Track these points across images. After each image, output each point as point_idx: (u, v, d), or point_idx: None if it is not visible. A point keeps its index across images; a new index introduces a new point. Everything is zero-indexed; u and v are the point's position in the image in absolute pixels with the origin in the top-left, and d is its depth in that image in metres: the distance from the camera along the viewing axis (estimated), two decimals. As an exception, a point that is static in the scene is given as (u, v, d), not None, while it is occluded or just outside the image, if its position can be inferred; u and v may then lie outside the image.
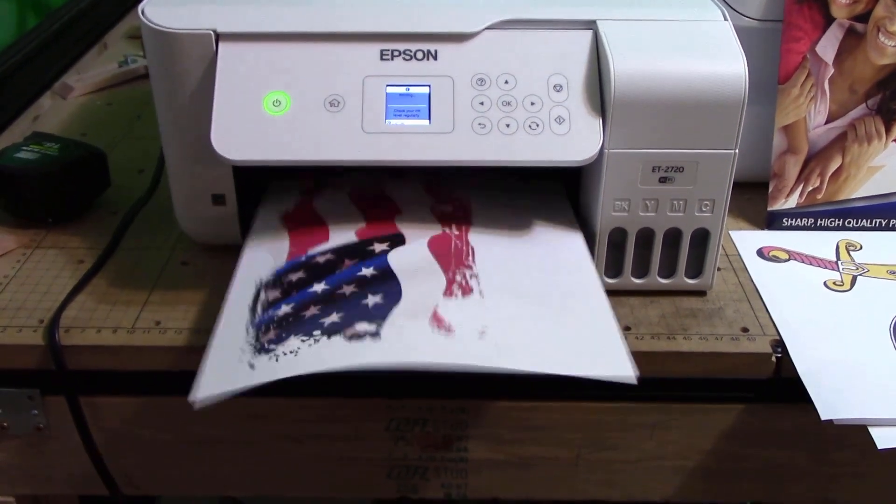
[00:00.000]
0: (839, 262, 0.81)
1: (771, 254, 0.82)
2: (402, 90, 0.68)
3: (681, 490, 0.76)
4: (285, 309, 0.63)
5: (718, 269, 0.76)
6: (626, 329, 0.71)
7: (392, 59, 0.69)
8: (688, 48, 0.68)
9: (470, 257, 0.68)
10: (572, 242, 0.71)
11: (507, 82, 0.68)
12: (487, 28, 0.69)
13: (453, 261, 0.68)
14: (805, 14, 0.80)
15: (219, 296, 0.67)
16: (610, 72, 0.66)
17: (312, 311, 0.62)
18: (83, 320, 0.71)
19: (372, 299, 0.63)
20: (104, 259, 0.79)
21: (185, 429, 0.73)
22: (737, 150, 0.69)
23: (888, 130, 0.83)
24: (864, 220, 0.85)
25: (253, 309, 0.64)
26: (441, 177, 0.79)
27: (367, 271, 0.66)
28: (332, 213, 0.74)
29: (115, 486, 0.74)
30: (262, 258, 0.69)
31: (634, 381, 0.59)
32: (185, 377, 0.58)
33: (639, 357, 0.62)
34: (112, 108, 1.10)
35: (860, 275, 0.79)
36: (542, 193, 0.78)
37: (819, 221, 0.85)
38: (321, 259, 0.68)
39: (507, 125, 0.67)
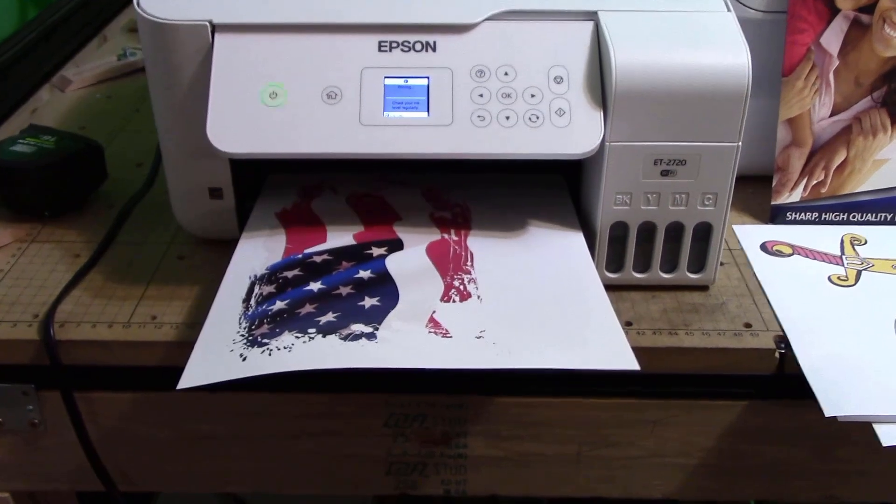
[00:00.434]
0: (844, 257, 0.80)
1: (774, 248, 0.81)
2: (401, 82, 0.67)
3: (682, 487, 0.75)
4: (280, 305, 0.62)
5: (721, 264, 0.75)
6: (627, 324, 0.70)
7: (390, 50, 0.68)
8: (690, 39, 0.67)
9: (469, 262, 0.68)
10: (572, 242, 0.70)
11: (506, 74, 0.67)
12: (487, 19, 0.68)
13: (451, 266, 0.67)
14: (809, 5, 0.79)
15: (216, 290, 0.66)
16: (611, 63, 0.65)
17: (308, 308, 0.61)
18: (78, 315, 0.71)
19: (369, 301, 0.63)
20: (100, 253, 0.78)
21: (181, 425, 0.73)
22: (740, 143, 0.68)
23: (894, 123, 0.82)
24: (869, 215, 0.84)
25: (246, 301, 0.63)
26: (440, 183, 0.79)
27: (364, 274, 0.65)
28: (329, 215, 0.74)
29: (111, 482, 0.74)
30: (257, 252, 0.69)
31: (637, 368, 0.58)
32: (181, 373, 0.58)
33: (640, 353, 0.61)
34: (111, 102, 1.10)
35: (865, 269, 0.78)
36: (544, 189, 0.77)
37: (823, 215, 0.84)
38: (318, 259, 0.67)
39: (507, 117, 0.66)
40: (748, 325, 0.70)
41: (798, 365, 0.67)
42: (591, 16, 0.69)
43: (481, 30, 0.68)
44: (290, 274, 0.65)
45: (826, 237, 0.82)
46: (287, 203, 0.76)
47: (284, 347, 0.57)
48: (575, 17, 0.69)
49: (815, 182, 0.83)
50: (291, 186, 0.78)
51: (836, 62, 0.80)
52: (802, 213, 0.84)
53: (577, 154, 0.66)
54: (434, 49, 0.68)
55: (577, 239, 0.71)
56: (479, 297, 0.64)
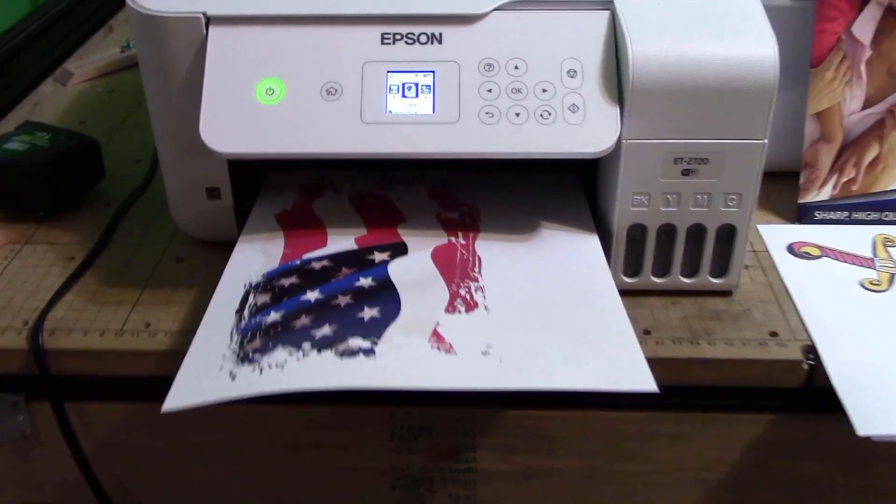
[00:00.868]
0: (876, 260, 0.75)
1: (802, 250, 0.76)
2: (405, 77, 0.63)
3: (704, 504, 0.71)
4: (274, 316, 0.58)
5: (745, 267, 0.71)
6: (645, 333, 0.66)
7: (393, 43, 0.64)
8: (713, 29, 0.63)
9: (476, 268, 0.64)
10: (587, 246, 0.67)
11: (516, 68, 0.63)
12: (496, 9, 0.64)
13: (458, 272, 0.63)
14: (841, -8, 0.75)
15: (212, 296, 0.63)
16: (628, 55, 0.61)
17: (303, 320, 0.58)
18: (70, 322, 0.68)
19: (368, 312, 0.59)
20: (95, 255, 0.75)
21: (177, 437, 0.69)
22: (766, 140, 0.63)
23: (930, 117, 0.77)
24: (903, 213, 0.79)
25: (240, 312, 0.59)
26: (447, 181, 0.75)
27: (365, 282, 0.61)
28: (331, 216, 0.70)
29: (105, 495, 0.71)
30: (254, 257, 0.65)
31: (655, 390, 0.54)
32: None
33: (659, 363, 0.57)
34: (112, 96, 1.06)
35: (899, 273, 0.74)
36: (557, 189, 0.73)
37: (854, 214, 0.80)
38: (317, 265, 0.63)
39: (517, 114, 0.62)
40: (774, 334, 0.66)
41: (828, 378, 0.63)
42: (607, 5, 0.65)
43: (490, 21, 0.64)
44: (286, 282, 0.61)
45: (857, 238, 0.78)
46: (287, 203, 0.72)
47: (277, 365, 0.54)
48: (590, 6, 0.65)
49: (845, 179, 0.79)
50: (292, 185, 0.74)
51: (869, 52, 0.76)
52: (831, 213, 0.80)
53: (592, 153, 0.62)
54: (440, 41, 0.64)
55: (591, 242, 0.67)
56: (485, 307, 0.60)
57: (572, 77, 0.63)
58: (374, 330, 0.57)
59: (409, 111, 0.62)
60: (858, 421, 0.59)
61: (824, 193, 0.79)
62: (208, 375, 0.53)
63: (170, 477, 0.72)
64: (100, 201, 0.83)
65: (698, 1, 0.65)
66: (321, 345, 0.55)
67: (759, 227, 0.79)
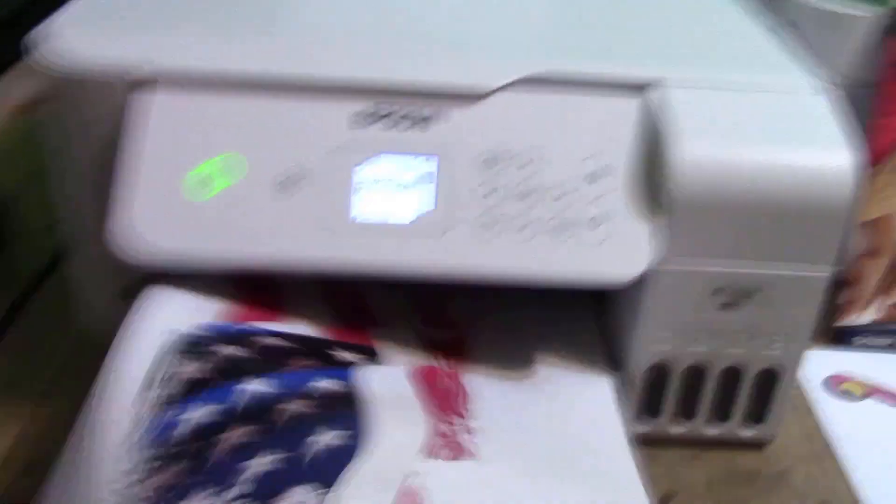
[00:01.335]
0: (931, 404, 0.63)
1: (843, 387, 0.64)
2: (379, 171, 0.49)
3: None
4: (193, 419, 0.43)
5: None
6: (663, 501, 0.53)
7: (366, 125, 0.50)
8: (775, 130, 0.50)
9: (463, 402, 0.50)
10: (596, 389, 0.53)
11: (525, 166, 0.50)
12: (503, 87, 0.51)
13: (441, 403, 0.49)
14: (905, 82, 0.62)
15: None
16: (671, 158, 0.48)
17: (234, 437, 0.42)
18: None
19: (323, 438, 0.44)
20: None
21: None
22: (832, 272, 0.51)
23: None
24: (958, 344, 0.67)
25: (143, 402, 0.44)
26: (435, 290, 0.60)
27: (326, 384, 0.46)
28: (293, 292, 0.55)
29: None
30: (183, 301, 0.49)
31: None
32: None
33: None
34: (40, 132, 0.90)
35: (960, 424, 0.61)
36: (564, 310, 0.60)
37: (901, 343, 0.67)
38: (268, 341, 0.48)
39: (524, 226, 0.49)
40: (822, 509, 0.53)
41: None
42: (641, 89, 0.52)
43: (493, 102, 0.51)
44: (223, 351, 0.46)
45: (905, 371, 0.65)
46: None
47: None
48: (620, 90, 0.52)
49: (892, 301, 0.66)
50: None
51: (932, 154, 0.63)
52: (875, 338, 0.67)
53: (617, 282, 0.49)
54: (427, 125, 0.50)
55: (601, 385, 0.53)
56: (476, 454, 0.46)
57: (594, 182, 0.50)
58: (326, 473, 0.42)
59: (384, 218, 0.48)
60: None
61: (867, 316, 0.67)
62: None
63: None
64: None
65: (755, 96, 0.51)
66: (255, 495, 0.40)
67: (790, 351, 0.66)
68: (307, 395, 0.46)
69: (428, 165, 0.49)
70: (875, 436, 0.60)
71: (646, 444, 0.56)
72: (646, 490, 0.46)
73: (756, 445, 0.57)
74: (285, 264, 0.47)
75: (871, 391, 0.63)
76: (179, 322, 0.47)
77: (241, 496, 0.40)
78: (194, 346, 0.46)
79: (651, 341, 0.52)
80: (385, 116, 0.50)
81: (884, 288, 0.66)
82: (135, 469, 0.41)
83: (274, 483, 0.41)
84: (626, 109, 0.51)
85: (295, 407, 0.45)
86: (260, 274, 0.51)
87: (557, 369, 0.54)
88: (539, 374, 0.54)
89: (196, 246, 0.47)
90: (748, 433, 0.57)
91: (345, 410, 0.46)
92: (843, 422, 0.60)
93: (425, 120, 0.50)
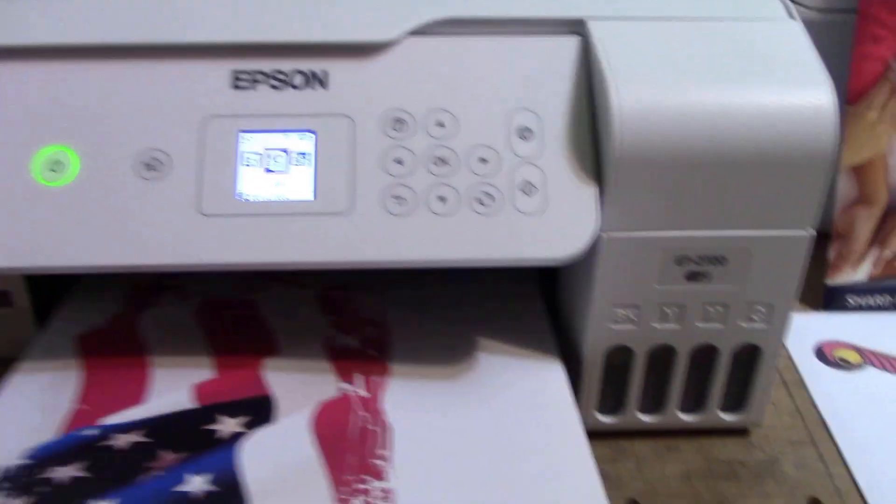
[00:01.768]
0: (937, 369, 0.55)
1: (836, 355, 0.56)
2: (268, 139, 0.41)
3: None
4: None
5: (764, 386, 0.50)
6: (633, 505, 0.45)
7: (252, 86, 0.42)
8: (737, 66, 0.41)
9: (384, 447, 0.41)
10: (548, 378, 0.45)
11: (442, 125, 0.42)
12: (411, 33, 0.42)
13: (353, 457, 0.40)
14: (890, 4, 0.54)
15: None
16: (610, 107, 0.40)
17: None
18: None
19: None
20: None
21: None
22: (813, 232, 0.43)
23: None
24: (964, 298, 0.60)
25: None
26: (347, 283, 0.52)
27: (195, 483, 0.38)
28: (163, 342, 0.46)
29: None
30: (25, 417, 0.42)
31: None
32: None
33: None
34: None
35: (970, 389, 0.54)
36: (505, 289, 0.52)
37: (900, 300, 0.60)
38: (121, 441, 0.40)
39: (442, 198, 0.41)
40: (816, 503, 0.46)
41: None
42: (577, 26, 0.43)
43: (401, 51, 0.42)
44: (59, 475, 0.38)
45: (906, 332, 0.58)
46: (101, 317, 0.49)
47: None
48: (551, 28, 0.43)
49: (890, 254, 0.59)
50: (117, 287, 0.51)
51: (925, 84, 0.55)
52: (870, 297, 0.60)
53: (558, 258, 0.41)
54: (324, 84, 0.42)
55: (552, 373, 0.46)
56: None
57: (526, 139, 0.42)
58: None
59: (275, 195, 0.40)
60: None
61: (861, 273, 0.59)
62: None
63: None
64: None
65: (712, 26, 0.43)
66: None
67: (775, 317, 0.59)
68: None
69: (325, 132, 0.41)
70: (874, 410, 0.52)
71: (613, 438, 0.49)
72: (604, 494, 0.39)
73: (740, 432, 0.50)
74: (157, 263, 0.39)
75: (867, 357, 0.56)
76: (13, 449, 0.39)
77: None
78: (19, 478, 0.38)
79: (608, 320, 0.45)
80: (274, 75, 0.42)
81: (878, 240, 0.59)
82: None
83: None
84: (561, 51, 0.43)
85: None
86: (121, 327, 0.44)
87: (501, 357, 0.46)
88: (480, 366, 0.46)
89: (43, 243, 0.39)
90: (729, 419, 0.49)
91: None
92: (838, 396, 0.53)
93: (322, 77, 0.42)
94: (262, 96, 0.41)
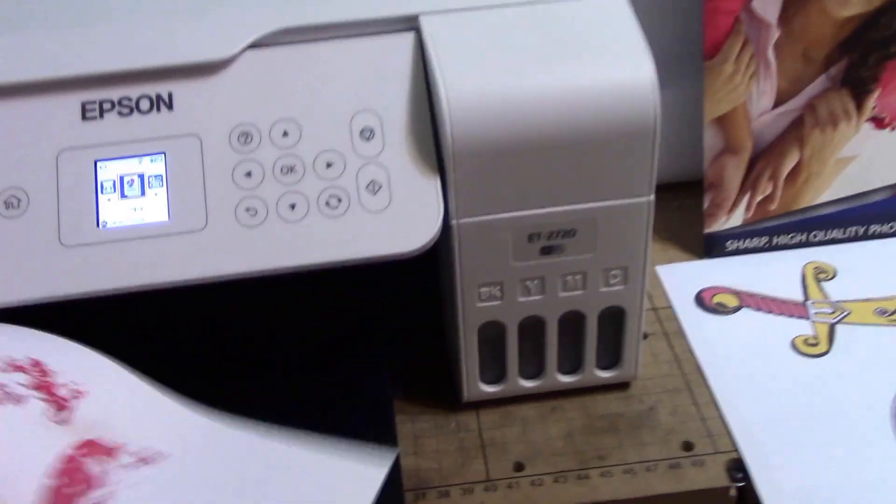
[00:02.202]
0: (809, 304, 0.58)
1: (715, 301, 0.59)
2: (122, 166, 0.43)
3: None
4: None
5: (644, 337, 0.53)
6: (517, 469, 0.48)
7: (101, 115, 0.43)
8: (560, 48, 0.44)
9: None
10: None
11: (286, 134, 0.43)
12: (249, 47, 0.44)
13: None
14: (734, -42, 0.56)
15: None
16: (441, 99, 0.42)
17: None
18: None
19: None
20: None
21: None
22: (652, 197, 0.45)
23: (859, 108, 0.59)
24: (836, 231, 0.63)
25: None
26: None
27: None
28: None
29: None
30: None
31: None
32: None
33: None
34: None
35: (839, 321, 0.57)
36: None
37: (775, 240, 0.62)
38: None
39: (292, 205, 0.43)
40: (689, 447, 0.49)
41: (763, 510, 0.46)
42: (411, 23, 0.45)
43: (241, 66, 0.44)
44: None
45: (782, 271, 0.61)
46: None
47: None
48: (387, 27, 0.45)
49: (760, 197, 0.61)
50: None
51: (777, 32, 0.57)
52: (747, 241, 0.62)
53: (408, 251, 0.43)
54: (169, 105, 0.43)
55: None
56: None
57: (368, 140, 0.44)
58: None
59: (132, 220, 0.42)
60: None
61: (736, 218, 0.62)
62: None
63: None
64: None
65: (540, 7, 0.45)
66: None
67: (657, 268, 0.62)
68: None
69: (174, 154, 0.43)
70: (747, 351, 0.55)
71: (501, 405, 0.52)
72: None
73: (620, 386, 0.53)
74: (17, 296, 0.41)
75: (745, 300, 0.59)
76: None
77: None
78: None
79: (475, 299, 0.47)
80: (120, 102, 0.43)
81: (748, 185, 0.61)
82: None
83: None
84: (395, 50, 0.45)
85: None
86: None
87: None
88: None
89: None
90: (606, 376, 0.52)
91: None
92: (715, 341, 0.56)
93: (167, 100, 0.43)
94: (112, 124, 0.43)
